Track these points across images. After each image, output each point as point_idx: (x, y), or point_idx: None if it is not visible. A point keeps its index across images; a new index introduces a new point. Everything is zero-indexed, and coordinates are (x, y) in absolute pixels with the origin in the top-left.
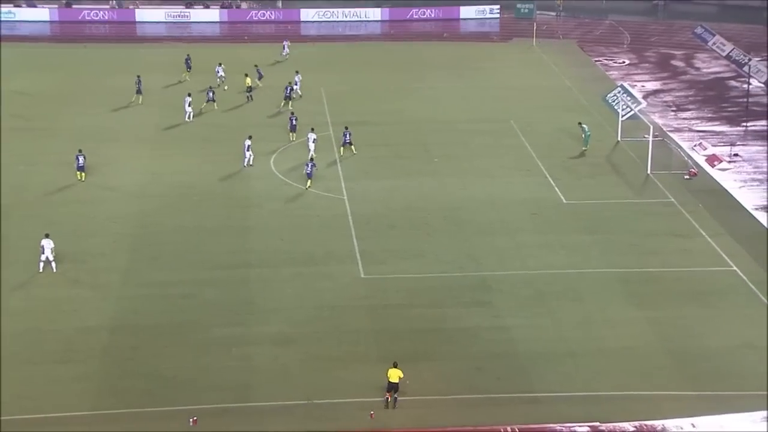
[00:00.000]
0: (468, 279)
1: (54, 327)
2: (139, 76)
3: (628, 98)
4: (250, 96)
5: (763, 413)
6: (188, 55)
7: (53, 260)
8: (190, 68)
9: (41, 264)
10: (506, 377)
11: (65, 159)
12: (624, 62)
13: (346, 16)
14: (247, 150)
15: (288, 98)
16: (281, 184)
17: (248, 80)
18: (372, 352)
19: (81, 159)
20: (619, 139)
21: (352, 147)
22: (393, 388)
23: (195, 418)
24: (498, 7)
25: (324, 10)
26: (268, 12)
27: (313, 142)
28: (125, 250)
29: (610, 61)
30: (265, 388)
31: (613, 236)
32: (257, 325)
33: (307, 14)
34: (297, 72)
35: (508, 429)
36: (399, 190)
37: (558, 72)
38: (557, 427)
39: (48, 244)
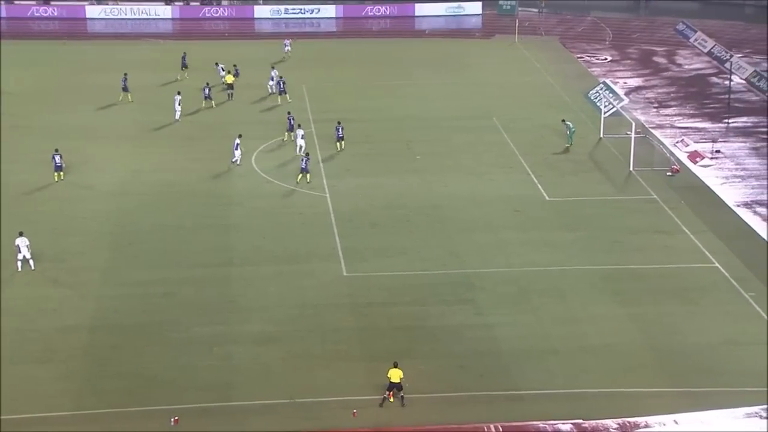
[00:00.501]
0: (451, 276)
1: (33, 327)
2: (125, 74)
3: (611, 95)
4: (231, 94)
5: (745, 410)
6: (185, 53)
7: (30, 258)
8: (186, 66)
9: (19, 263)
10: (489, 375)
11: (44, 157)
12: (606, 59)
13: (296, 13)
14: (236, 149)
15: (282, 93)
16: (263, 182)
17: (229, 78)
18: (354, 351)
19: (58, 158)
20: (601, 135)
21: (342, 142)
22: (395, 387)
23: (176, 417)
24: (480, 4)
25: (279, 6)
26: (221, 9)
27: (302, 138)
28: (105, 249)
29: (593, 58)
30: (247, 387)
31: (595, 233)
32: (239, 324)
33: (261, 11)
34: (273, 67)
35: (491, 427)
36: (381, 187)
37: (540, 69)
38: (540, 424)
39: (23, 242)
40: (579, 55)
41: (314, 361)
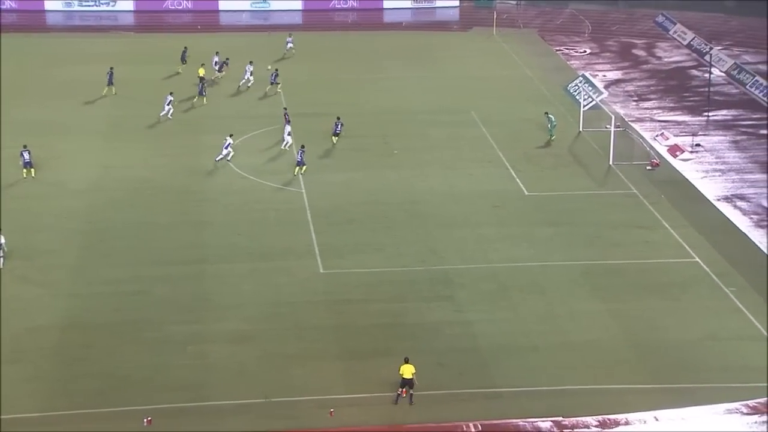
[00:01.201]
0: (429, 273)
1: (2, 326)
2: (111, 68)
3: (590, 88)
4: (202, 87)
5: (726, 405)
6: (185, 47)
7: (3, 255)
8: (185, 61)
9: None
10: (468, 372)
11: (12, 153)
12: (585, 51)
13: (257, 6)
14: (226, 147)
15: (274, 83)
16: (238, 177)
17: (201, 71)
18: (331, 349)
19: (26, 155)
20: (580, 129)
21: (336, 139)
22: (407, 384)
23: (149, 418)
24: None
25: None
26: (185, 1)
27: (289, 134)
28: (75, 247)
29: (571, 51)
30: (222, 386)
31: (575, 228)
32: (213, 323)
33: (225, 4)
34: (250, 62)
35: (471, 425)
36: (358, 182)
37: (519, 62)
38: (520, 422)
39: None
40: (558, 48)
41: (290, 360)
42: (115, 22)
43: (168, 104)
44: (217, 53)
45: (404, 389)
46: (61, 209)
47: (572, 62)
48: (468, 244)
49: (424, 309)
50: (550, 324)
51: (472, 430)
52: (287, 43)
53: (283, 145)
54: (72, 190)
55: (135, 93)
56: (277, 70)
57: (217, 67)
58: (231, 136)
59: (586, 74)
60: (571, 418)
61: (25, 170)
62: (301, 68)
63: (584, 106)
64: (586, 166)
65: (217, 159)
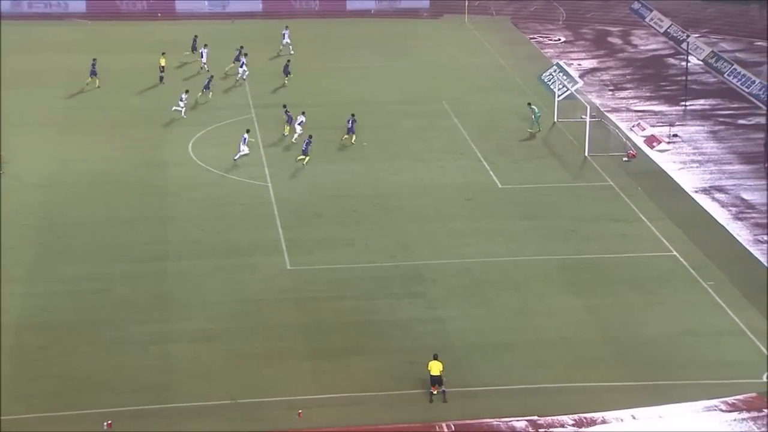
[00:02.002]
0: (400, 269)
1: None
2: (94, 59)
3: (564, 77)
4: (162, 78)
5: (704, 403)
6: (195, 36)
7: None
8: (195, 50)
9: None
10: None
11: None
12: (559, 40)
13: None
14: (244, 143)
15: (287, 74)
16: (201, 171)
17: (162, 60)
18: (299, 348)
19: None
20: (555, 120)
21: (353, 136)
22: (437, 381)
23: (110, 421)
24: None
25: None
26: None
27: (299, 124)
28: (32, 244)
29: (546, 39)
30: (186, 387)
31: (550, 222)
32: (176, 322)
33: None
34: (205, 45)
35: (444, 426)
36: (326, 175)
37: (491, 50)
38: (494, 422)
39: None
40: (531, 36)
41: (257, 360)
42: (66, 10)
43: (181, 101)
44: (205, 45)
45: (435, 386)
46: (16, 205)
47: (546, 51)
48: (440, 238)
49: (395, 306)
50: (525, 320)
51: (446, 430)
52: (283, 37)
53: (295, 138)
54: (27, 185)
55: (92, 83)
56: (289, 60)
57: (240, 64)
58: (248, 131)
59: (561, 63)
60: (547, 417)
61: None
62: (265, 57)
63: (559, 95)
64: (561, 158)
65: (235, 158)
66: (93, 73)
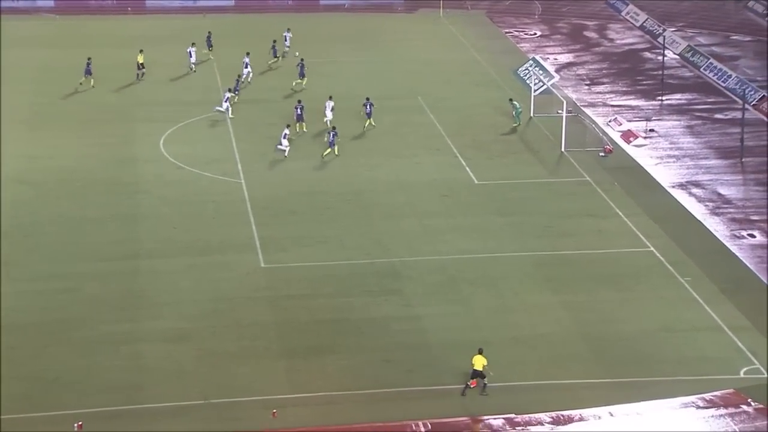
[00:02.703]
0: (375, 266)
1: None
2: (89, 58)
3: (540, 72)
4: (140, 74)
5: (681, 399)
6: (209, 32)
7: None
8: (211, 47)
9: None
10: (417, 370)
11: None
12: (535, 34)
13: None
14: (284, 138)
15: (302, 76)
16: (172, 168)
17: (140, 57)
18: (274, 347)
19: None
20: (531, 115)
21: (371, 120)
22: (478, 375)
23: (80, 422)
24: None
25: None
26: None
27: (332, 110)
28: None
29: (521, 33)
30: (158, 387)
31: (526, 218)
32: (148, 321)
33: None
34: (193, 44)
35: (420, 424)
36: (300, 172)
37: (467, 45)
38: (471, 420)
39: None
40: (507, 30)
41: (230, 359)
42: (34, 4)
43: (225, 101)
44: (193, 44)
45: (474, 380)
46: None
47: (522, 45)
48: (416, 235)
49: (371, 304)
50: (502, 318)
51: (422, 429)
52: (285, 39)
53: (327, 121)
54: None
55: (59, 79)
56: (303, 59)
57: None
58: (288, 126)
59: (537, 57)
60: (524, 415)
61: None
62: (239, 52)
63: (535, 90)
64: (537, 153)
65: (280, 148)
66: (88, 72)
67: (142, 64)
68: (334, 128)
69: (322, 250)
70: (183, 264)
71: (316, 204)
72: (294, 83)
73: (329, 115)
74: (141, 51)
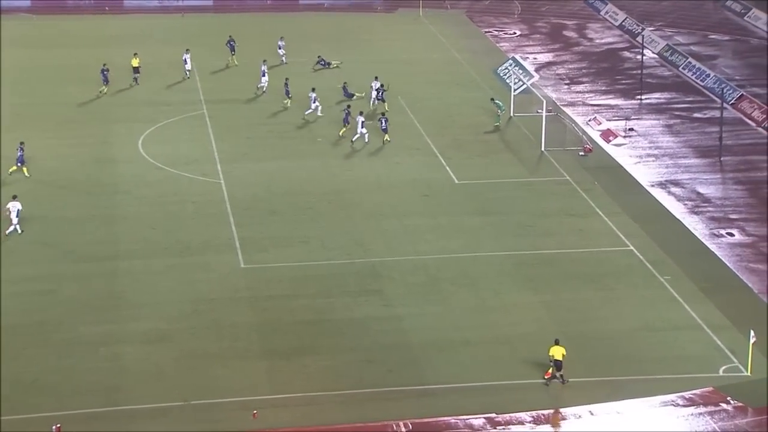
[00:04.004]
0: (356, 266)
1: None
2: (105, 64)
3: (520, 71)
4: (136, 78)
5: (661, 398)
6: (231, 36)
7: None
8: (234, 51)
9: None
10: (398, 369)
11: None
12: (515, 33)
13: None
14: (314, 101)
15: (349, 96)
16: (151, 168)
17: (135, 61)
18: (254, 348)
19: None
20: (511, 114)
21: (387, 135)
22: (557, 365)
23: (59, 425)
24: None
25: None
26: None
27: (362, 126)
28: None
29: (501, 32)
30: (137, 389)
31: (507, 217)
32: (127, 322)
33: None
34: (187, 50)
35: (401, 424)
36: (280, 172)
37: (446, 44)
38: (452, 420)
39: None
40: (486, 30)
41: (210, 360)
42: (11, 4)
43: (288, 94)
44: (187, 50)
45: (550, 370)
46: None
47: (502, 44)
48: (396, 235)
49: (351, 304)
50: (482, 317)
51: (402, 429)
52: (278, 48)
53: (356, 137)
54: None
55: (37, 79)
56: (287, 79)
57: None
58: (314, 89)
59: (516, 57)
60: (505, 415)
61: None
62: (217, 53)
63: (514, 90)
64: (517, 153)
65: (307, 113)
66: (105, 80)
67: (137, 68)
68: (383, 114)
69: (303, 250)
70: (162, 265)
71: (297, 204)
72: (372, 107)
73: (363, 131)
74: (135, 54)
